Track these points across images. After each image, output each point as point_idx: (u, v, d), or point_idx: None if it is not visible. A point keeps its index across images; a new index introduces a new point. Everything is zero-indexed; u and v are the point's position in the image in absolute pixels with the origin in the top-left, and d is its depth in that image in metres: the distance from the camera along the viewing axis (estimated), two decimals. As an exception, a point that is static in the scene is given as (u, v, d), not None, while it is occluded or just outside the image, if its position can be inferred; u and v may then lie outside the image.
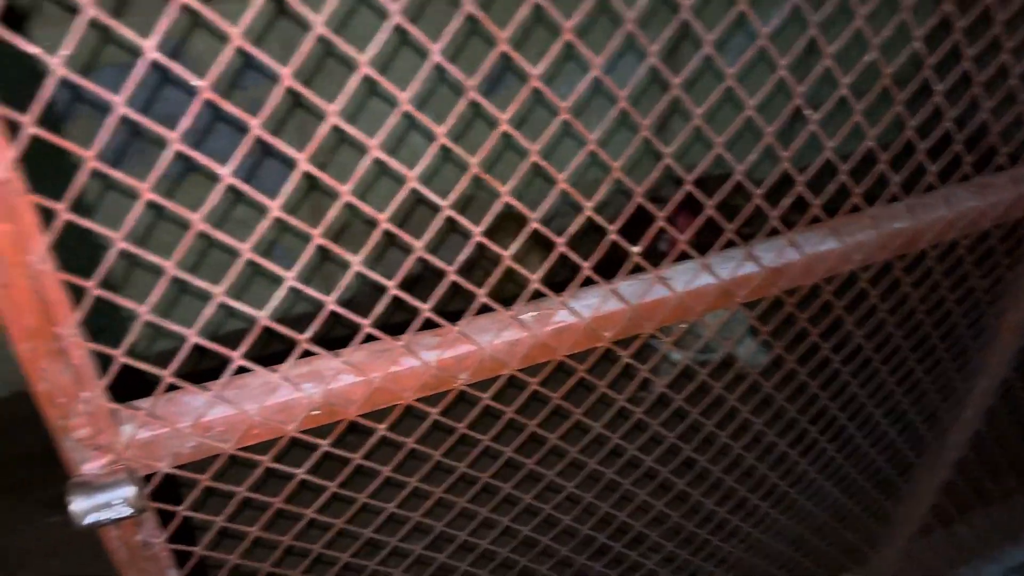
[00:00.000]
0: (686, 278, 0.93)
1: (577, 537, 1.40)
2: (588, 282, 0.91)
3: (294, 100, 2.83)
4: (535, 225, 0.80)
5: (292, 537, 0.94)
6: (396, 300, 0.77)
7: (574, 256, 0.86)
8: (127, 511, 0.70)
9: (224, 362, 0.74)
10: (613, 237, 0.86)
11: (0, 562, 2.26)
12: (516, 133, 0.75)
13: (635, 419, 1.15)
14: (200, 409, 0.74)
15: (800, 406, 1.40)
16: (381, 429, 0.86)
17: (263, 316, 0.71)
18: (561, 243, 0.83)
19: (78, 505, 0.69)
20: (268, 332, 0.74)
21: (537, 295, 0.89)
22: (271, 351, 0.83)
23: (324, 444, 0.84)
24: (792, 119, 0.93)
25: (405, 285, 0.81)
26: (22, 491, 2.48)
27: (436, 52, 0.64)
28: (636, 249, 0.87)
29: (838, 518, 1.91)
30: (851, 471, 1.73)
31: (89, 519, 0.69)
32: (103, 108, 2.62)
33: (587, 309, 0.89)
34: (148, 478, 0.74)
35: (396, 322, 0.89)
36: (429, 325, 0.84)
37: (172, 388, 0.74)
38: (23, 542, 2.30)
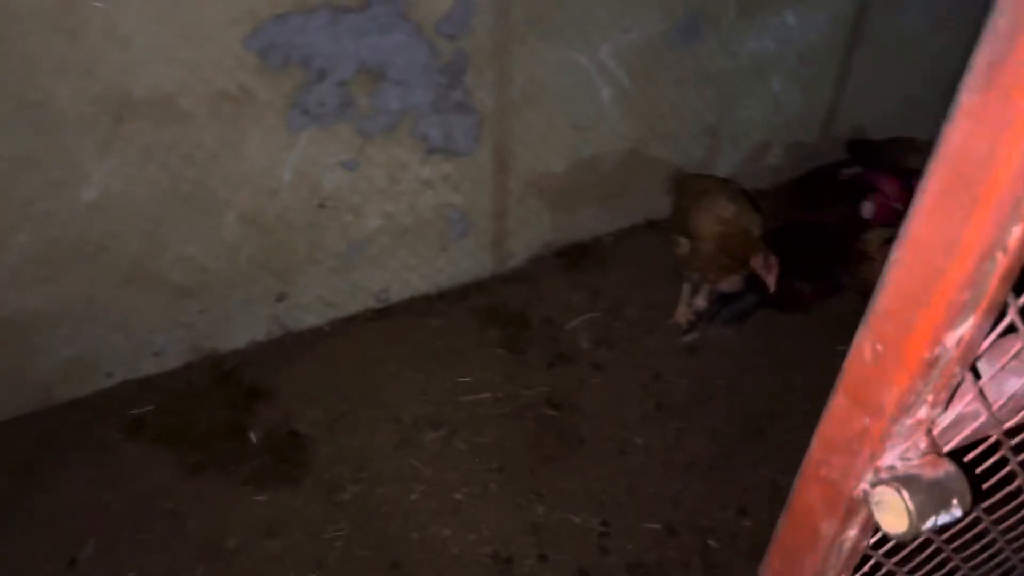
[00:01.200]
0: None
1: None
2: None
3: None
4: None
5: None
6: None
7: None
8: (958, 512, 0.54)
9: None
10: None
11: (218, 544, 2.07)
12: None
13: None
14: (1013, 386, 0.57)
15: None
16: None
17: None
18: None
19: (920, 504, 0.53)
20: None
21: None
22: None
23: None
24: None
25: None
26: (214, 467, 2.28)
27: None
28: None
29: None
30: None
31: (928, 524, 0.53)
32: None
33: None
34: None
35: None
36: None
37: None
38: (236, 521, 2.14)
